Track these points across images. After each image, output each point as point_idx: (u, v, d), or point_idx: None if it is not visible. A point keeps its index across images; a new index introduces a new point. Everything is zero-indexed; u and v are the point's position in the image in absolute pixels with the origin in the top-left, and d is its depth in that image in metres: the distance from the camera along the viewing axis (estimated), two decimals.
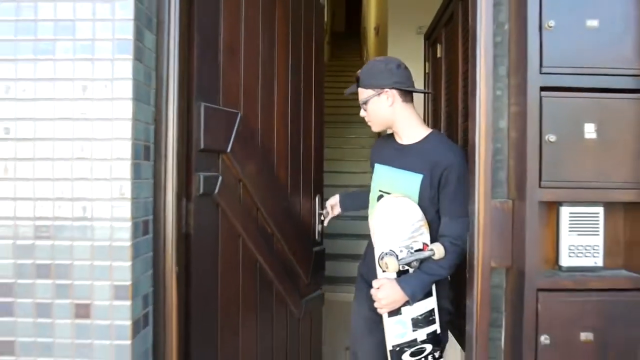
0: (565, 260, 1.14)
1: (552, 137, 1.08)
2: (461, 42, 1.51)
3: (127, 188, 0.98)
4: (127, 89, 0.97)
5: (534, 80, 1.09)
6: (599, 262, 1.13)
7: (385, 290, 1.26)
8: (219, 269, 1.26)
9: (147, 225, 1.06)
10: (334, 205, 1.67)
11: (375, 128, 1.41)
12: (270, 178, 1.49)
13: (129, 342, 0.99)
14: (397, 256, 1.25)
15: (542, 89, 1.09)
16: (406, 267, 1.28)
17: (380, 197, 1.40)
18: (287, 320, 1.61)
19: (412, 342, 1.33)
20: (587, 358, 1.10)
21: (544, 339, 1.09)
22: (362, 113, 1.40)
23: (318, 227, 1.75)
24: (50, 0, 0.97)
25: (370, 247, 1.46)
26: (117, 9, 0.97)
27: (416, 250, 1.28)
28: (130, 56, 0.97)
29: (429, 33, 2.16)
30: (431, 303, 1.34)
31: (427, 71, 2.27)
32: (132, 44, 0.98)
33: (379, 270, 1.31)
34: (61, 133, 0.97)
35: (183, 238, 1.14)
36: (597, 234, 1.13)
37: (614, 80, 1.10)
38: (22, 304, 0.98)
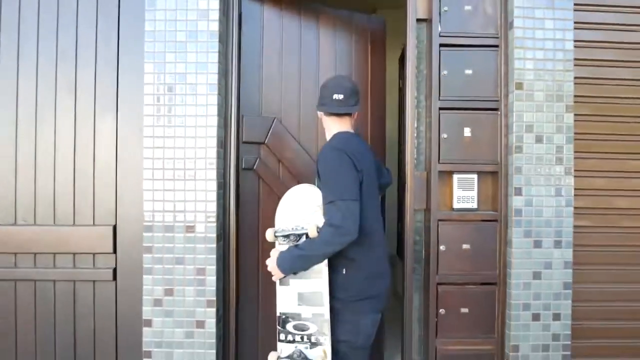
0: (455, 205, 2.00)
1: (445, 135, 1.96)
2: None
3: (213, 162, 1.84)
4: (214, 109, 1.84)
5: (436, 104, 1.96)
6: (474, 206, 2.00)
7: (270, 258, 1.50)
8: (259, 214, 2.11)
9: (222, 183, 1.93)
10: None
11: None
12: (306, 161, 2.14)
13: (214, 245, 1.86)
14: (275, 230, 1.52)
15: (440, 109, 1.96)
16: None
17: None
18: None
19: (296, 315, 1.49)
20: (465, 258, 1.97)
21: (442, 247, 1.96)
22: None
23: None
24: (182, 62, 1.83)
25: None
26: (209, 67, 1.84)
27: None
28: (216, 92, 1.85)
29: (400, 56, 2.96)
30: (320, 286, 1.47)
31: (400, 86, 3.10)
32: (217, 86, 1.85)
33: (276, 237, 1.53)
34: (187, 133, 1.84)
35: (237, 194, 2.01)
36: (473, 190, 2.00)
37: (480, 104, 1.97)
38: (157, 226, 1.85)
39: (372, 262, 1.53)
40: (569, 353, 1.92)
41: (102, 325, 1.99)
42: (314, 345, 1.49)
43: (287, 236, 1.51)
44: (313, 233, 1.43)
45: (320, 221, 1.47)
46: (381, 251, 1.59)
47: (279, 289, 1.54)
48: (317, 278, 1.49)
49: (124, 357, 1.98)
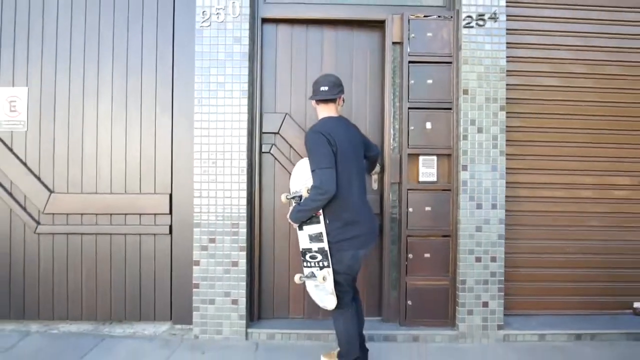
0: (420, 179, 2.71)
1: (412, 128, 2.67)
2: None
3: (244, 146, 2.57)
4: (245, 109, 2.57)
5: (406, 105, 2.68)
6: (434, 179, 2.71)
7: (288, 214, 2.08)
8: (274, 184, 2.82)
9: (250, 162, 2.65)
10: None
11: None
12: None
13: (245, 206, 2.58)
14: (287, 194, 2.09)
15: (409, 108, 2.68)
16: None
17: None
18: None
19: (309, 250, 2.06)
20: (427, 218, 2.68)
21: (410, 209, 2.68)
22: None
23: None
24: (222, 75, 2.55)
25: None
26: (241, 78, 2.56)
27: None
28: (246, 96, 2.57)
29: None
30: (319, 229, 2.02)
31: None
32: (247, 92, 2.57)
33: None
34: (225, 126, 2.56)
35: (260, 170, 2.73)
36: (433, 168, 2.71)
37: (438, 105, 2.69)
38: (203, 193, 2.57)
39: (347, 213, 2.00)
40: (502, 286, 2.63)
41: (161, 266, 2.72)
42: (321, 269, 2.07)
43: (293, 197, 2.07)
44: (305, 194, 1.98)
45: (310, 185, 1.98)
46: (358, 204, 2.05)
47: (298, 233, 2.11)
48: (317, 224, 2.05)
49: (177, 289, 2.70)
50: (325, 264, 2.05)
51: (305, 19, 2.75)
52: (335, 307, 2.06)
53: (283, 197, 2.12)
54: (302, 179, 2.11)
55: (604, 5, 2.81)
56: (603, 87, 2.83)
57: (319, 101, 2.13)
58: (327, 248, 2.02)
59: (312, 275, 2.10)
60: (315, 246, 2.06)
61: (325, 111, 2.13)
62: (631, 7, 2.83)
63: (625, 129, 2.84)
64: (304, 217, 2.02)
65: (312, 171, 1.94)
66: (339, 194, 1.96)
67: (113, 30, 2.73)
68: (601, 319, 2.79)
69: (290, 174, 2.36)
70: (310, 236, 2.06)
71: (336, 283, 2.04)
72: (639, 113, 2.85)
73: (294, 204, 2.07)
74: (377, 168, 2.61)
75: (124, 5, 2.72)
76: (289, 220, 2.09)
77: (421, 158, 2.72)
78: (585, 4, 2.81)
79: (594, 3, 2.81)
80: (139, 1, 2.73)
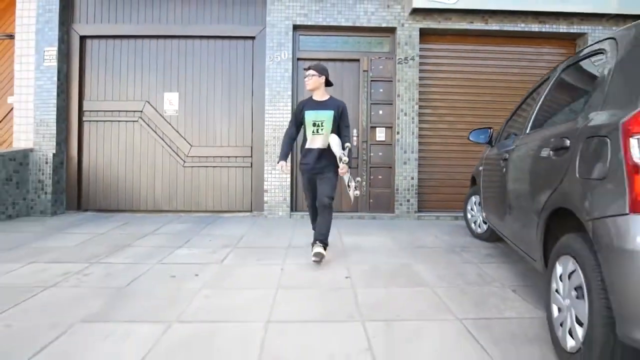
0: (377, 139, 5.39)
1: (372, 113, 5.35)
2: None
3: (289, 121, 5.25)
4: (289, 107, 5.25)
5: (369, 102, 5.36)
6: (384, 139, 5.39)
7: (344, 169, 3.04)
8: (297, 144, 5.52)
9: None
10: (284, 166, 3.28)
11: (310, 88, 3.17)
12: None
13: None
14: (342, 155, 3.03)
15: (371, 103, 5.36)
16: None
17: (314, 123, 3.15)
18: None
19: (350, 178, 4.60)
20: (381, 158, 5.36)
21: (371, 154, 5.36)
22: (309, 80, 3.16)
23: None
24: (279, 88, 5.27)
25: (310, 153, 3.21)
26: (287, 91, 5.25)
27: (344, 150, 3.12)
28: (290, 100, 5.25)
29: None
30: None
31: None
32: (290, 98, 5.25)
33: (340, 160, 3.04)
34: (282, 115, 5.26)
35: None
36: (383, 134, 5.39)
37: (387, 102, 5.37)
38: (269, 147, 5.26)
39: None
40: (416, 192, 5.30)
41: (246, 183, 5.40)
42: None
43: (347, 154, 3.07)
44: (341, 151, 3.10)
45: (340, 144, 3.12)
46: None
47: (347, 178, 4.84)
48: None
49: (255, 194, 5.37)
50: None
51: (319, 58, 5.42)
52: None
53: (344, 159, 3.03)
54: (339, 144, 3.14)
55: (468, 53, 5.50)
56: (469, 94, 5.51)
57: (328, 84, 3.28)
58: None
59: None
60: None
61: (324, 88, 3.26)
62: (486, 57, 5.52)
63: (475, 117, 5.52)
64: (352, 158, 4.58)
65: (346, 126, 3.25)
66: None
67: (222, 65, 5.40)
68: None
69: None
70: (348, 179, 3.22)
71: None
72: (483, 107, 5.53)
73: (346, 158, 3.05)
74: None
75: (227, 52, 5.39)
76: (346, 166, 3.07)
77: (377, 129, 5.39)
78: (458, 56, 5.49)
79: (461, 54, 5.50)
80: (234, 50, 5.39)
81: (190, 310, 2.25)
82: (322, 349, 1.84)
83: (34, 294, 2.45)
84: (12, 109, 5.80)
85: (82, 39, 5.38)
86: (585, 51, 2.09)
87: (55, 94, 5.18)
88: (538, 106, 2.54)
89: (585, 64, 2.05)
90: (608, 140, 1.40)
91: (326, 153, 3.22)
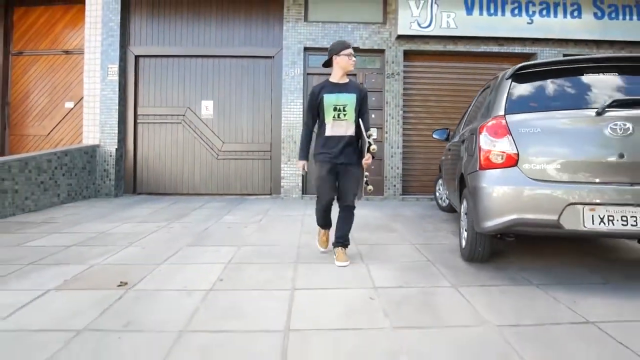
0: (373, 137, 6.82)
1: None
2: None
3: (301, 121, 6.67)
4: (300, 108, 6.67)
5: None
6: (376, 137, 6.81)
7: (369, 159, 2.97)
8: None
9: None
10: (305, 165, 3.12)
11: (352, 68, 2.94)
12: None
13: None
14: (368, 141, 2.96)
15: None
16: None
17: (335, 108, 2.88)
18: None
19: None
20: (375, 152, 6.79)
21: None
22: (353, 60, 2.91)
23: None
24: (293, 95, 6.70)
25: (331, 141, 2.95)
26: (299, 97, 6.68)
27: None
28: (301, 103, 6.67)
29: None
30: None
31: None
32: (301, 102, 6.67)
33: (368, 150, 2.92)
34: (295, 114, 6.69)
35: None
36: (376, 133, 6.81)
37: (377, 108, 6.79)
38: (286, 142, 6.69)
39: None
40: (401, 179, 6.71)
41: (266, 171, 6.83)
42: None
43: (373, 141, 3.21)
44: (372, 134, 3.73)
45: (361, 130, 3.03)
46: None
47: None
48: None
49: (274, 181, 6.79)
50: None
51: (325, 73, 6.82)
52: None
53: (373, 147, 2.92)
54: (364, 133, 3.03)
55: (442, 69, 6.91)
56: (444, 101, 6.91)
57: (328, 64, 3.05)
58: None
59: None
60: None
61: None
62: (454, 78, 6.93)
63: (448, 120, 6.91)
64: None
65: (366, 112, 3.01)
66: None
67: (247, 78, 6.81)
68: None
69: None
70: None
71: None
72: (454, 112, 6.92)
73: (374, 146, 2.94)
74: None
75: (252, 68, 6.81)
76: (371, 157, 3.00)
77: (372, 129, 6.78)
78: (435, 71, 6.90)
79: (437, 70, 6.91)
80: (257, 67, 6.81)
81: (250, 241, 3.68)
82: (331, 259, 3.27)
83: (145, 236, 3.86)
84: (69, 112, 7.23)
85: (137, 58, 6.80)
86: (490, 82, 3.49)
87: (116, 101, 6.60)
88: (467, 113, 3.95)
89: (486, 91, 3.46)
90: (474, 135, 2.81)
91: (352, 142, 2.95)
